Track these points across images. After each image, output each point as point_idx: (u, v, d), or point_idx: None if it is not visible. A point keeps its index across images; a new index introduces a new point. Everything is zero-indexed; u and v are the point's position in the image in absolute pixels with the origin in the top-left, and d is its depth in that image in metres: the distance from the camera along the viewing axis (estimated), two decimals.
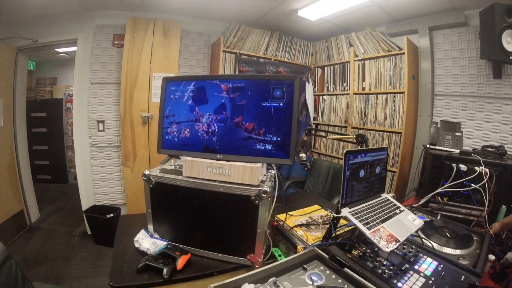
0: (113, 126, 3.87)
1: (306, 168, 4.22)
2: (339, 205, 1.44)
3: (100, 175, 3.91)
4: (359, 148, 2.01)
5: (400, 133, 3.48)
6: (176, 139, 1.65)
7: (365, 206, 1.54)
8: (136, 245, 1.61)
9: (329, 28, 4.29)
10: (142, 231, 1.67)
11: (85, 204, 3.85)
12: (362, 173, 1.55)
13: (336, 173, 4.03)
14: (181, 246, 1.61)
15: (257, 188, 1.43)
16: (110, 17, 3.79)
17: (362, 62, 3.99)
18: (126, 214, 3.65)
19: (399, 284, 1.21)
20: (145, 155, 3.72)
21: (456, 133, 2.75)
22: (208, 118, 1.58)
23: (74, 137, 3.78)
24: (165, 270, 1.40)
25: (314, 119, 4.80)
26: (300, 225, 1.85)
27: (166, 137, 1.66)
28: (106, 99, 3.81)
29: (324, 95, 4.66)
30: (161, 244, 1.58)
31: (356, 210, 1.46)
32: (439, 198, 2.34)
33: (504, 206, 2.12)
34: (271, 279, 1.14)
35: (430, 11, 3.44)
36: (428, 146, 2.66)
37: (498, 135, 3.00)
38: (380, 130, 3.75)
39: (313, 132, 3.72)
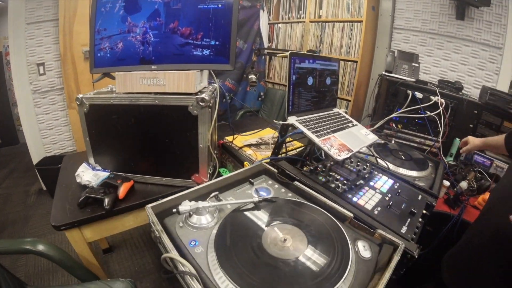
0: (54, 67, 3.46)
1: (259, 98, 4.21)
2: (286, 113, 1.38)
3: (46, 123, 3.57)
4: None
5: (356, 61, 3.44)
6: (109, 55, 1.47)
7: (315, 116, 1.48)
8: (78, 179, 1.51)
9: None
10: (83, 165, 1.57)
11: (36, 158, 3.55)
12: (310, 80, 1.48)
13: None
14: (123, 174, 1.54)
15: (194, 97, 1.32)
16: None
17: None
18: (70, 153, 3.42)
19: (354, 199, 1.18)
20: None
21: (413, 64, 2.73)
22: (142, 27, 1.41)
23: (14, 86, 3.40)
24: (106, 200, 1.33)
25: (268, 47, 4.63)
26: (249, 145, 1.80)
27: (99, 54, 1.48)
28: (44, 39, 3.38)
29: (279, 23, 4.50)
30: (103, 175, 1.50)
31: (304, 119, 1.40)
32: (394, 125, 2.37)
33: (457, 139, 2.19)
34: (212, 194, 1.06)
35: None
36: (383, 73, 2.63)
37: (456, 73, 3.03)
38: (336, 58, 3.62)
39: (264, 52, 3.63)
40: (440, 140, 2.14)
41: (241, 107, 4.11)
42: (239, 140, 1.89)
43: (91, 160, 1.61)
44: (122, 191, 1.40)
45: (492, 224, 1.11)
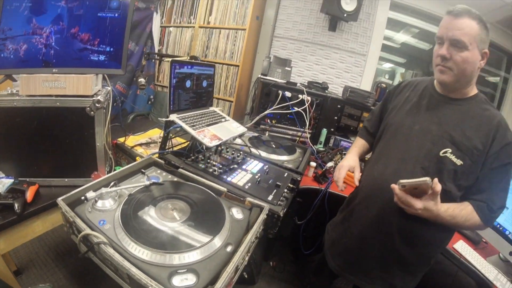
0: None
1: (149, 102, 4.30)
2: (168, 112, 1.63)
3: None
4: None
5: (238, 66, 3.77)
6: (12, 56, 1.49)
7: (193, 114, 1.76)
8: None
9: None
10: None
11: None
12: (188, 83, 1.76)
13: None
14: (28, 179, 1.52)
15: (91, 99, 1.47)
16: None
17: None
18: None
19: (228, 179, 1.49)
20: None
21: (286, 68, 3.16)
22: (46, 30, 1.49)
23: None
24: (16, 205, 1.32)
25: (159, 50, 4.72)
26: (140, 144, 1.99)
27: (2, 55, 1.48)
28: None
29: (171, 26, 4.63)
30: (8, 182, 1.44)
31: (184, 116, 1.67)
32: (268, 121, 2.74)
33: (325, 129, 2.75)
34: (112, 183, 1.26)
35: None
36: (260, 76, 2.99)
37: (325, 76, 3.59)
38: (220, 62, 3.95)
39: (153, 56, 3.77)
40: (307, 130, 2.60)
41: (132, 110, 4.14)
42: (131, 140, 2.05)
43: None
44: (30, 194, 1.41)
45: (371, 214, 1.35)
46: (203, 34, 4.11)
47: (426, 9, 3.53)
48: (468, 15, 1.17)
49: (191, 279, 0.86)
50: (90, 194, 1.13)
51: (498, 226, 1.73)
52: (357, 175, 1.46)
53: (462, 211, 1.18)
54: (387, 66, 4.35)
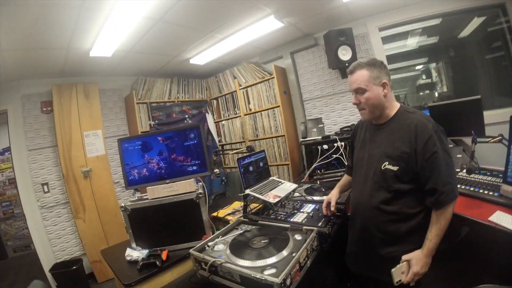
0: (56, 185, 4.10)
1: (223, 182, 5.01)
2: (244, 189, 2.43)
3: (55, 234, 4.05)
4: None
5: (284, 135, 4.53)
6: (137, 177, 2.40)
7: (259, 185, 2.57)
8: (128, 258, 2.14)
9: (216, 66, 5.25)
10: (128, 249, 2.22)
11: (47, 265, 3.88)
12: (251, 168, 2.60)
13: None
14: (158, 249, 2.21)
15: (196, 192, 2.25)
16: (34, 85, 4.04)
17: (245, 89, 4.99)
18: (104, 248, 3.54)
19: (291, 219, 2.17)
20: (92, 205, 4.10)
21: (319, 125, 3.85)
22: (156, 159, 2.39)
23: (22, 203, 3.89)
24: (157, 262, 2.03)
25: (219, 141, 5.63)
26: (228, 214, 2.75)
27: (130, 178, 2.39)
28: (45, 163, 4.05)
29: (222, 120, 5.54)
30: (146, 251, 2.16)
31: (254, 189, 2.48)
32: (318, 171, 3.33)
33: None
34: (220, 237, 2.03)
35: (289, 40, 4.55)
36: (301, 140, 3.67)
37: (354, 116, 4.14)
38: (269, 137, 4.76)
39: (220, 152, 4.81)
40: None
41: (211, 192, 4.75)
42: (221, 213, 2.79)
43: (133, 244, 2.27)
44: (164, 254, 2.09)
45: (357, 226, 1.79)
46: (249, 119, 4.97)
47: (411, 17, 3.84)
48: (358, 67, 1.64)
49: (273, 270, 1.52)
50: (211, 243, 1.90)
51: None
52: (333, 203, 2.07)
53: (433, 225, 1.50)
54: (419, 68, 4.58)
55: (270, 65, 4.78)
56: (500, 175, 2.11)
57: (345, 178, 2.22)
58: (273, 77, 4.56)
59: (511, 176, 1.87)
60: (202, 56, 4.54)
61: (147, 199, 2.29)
